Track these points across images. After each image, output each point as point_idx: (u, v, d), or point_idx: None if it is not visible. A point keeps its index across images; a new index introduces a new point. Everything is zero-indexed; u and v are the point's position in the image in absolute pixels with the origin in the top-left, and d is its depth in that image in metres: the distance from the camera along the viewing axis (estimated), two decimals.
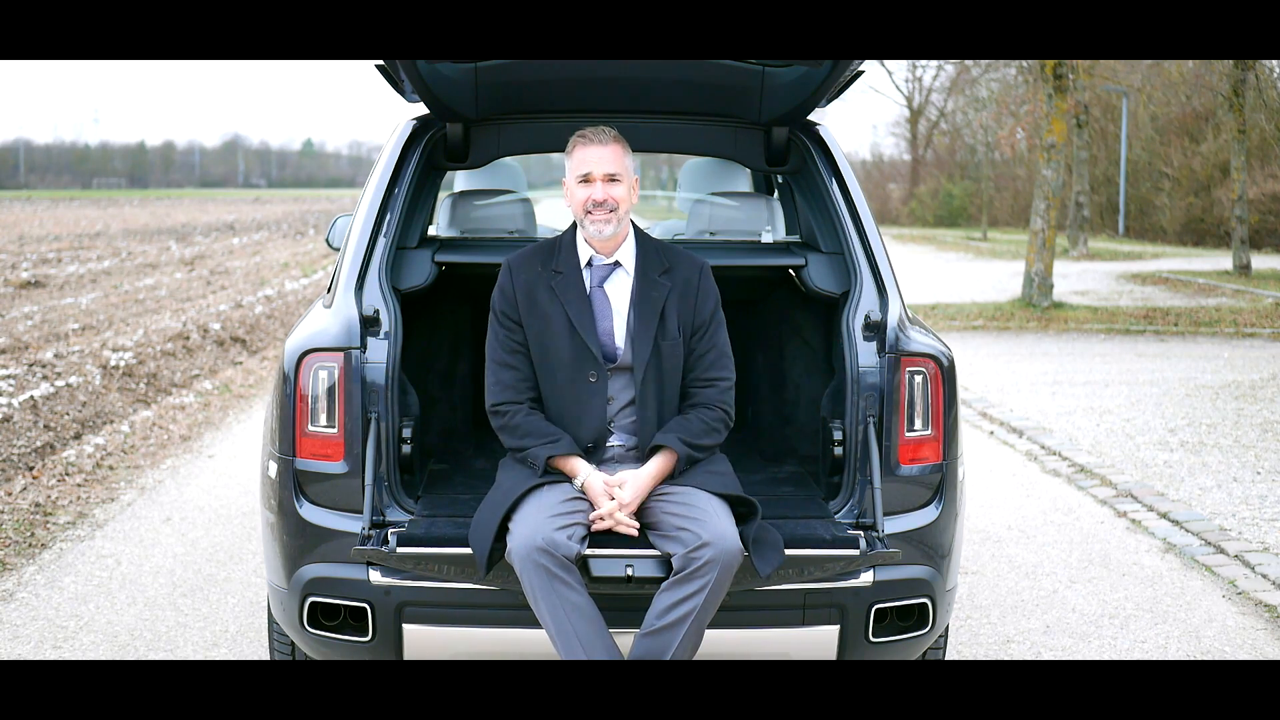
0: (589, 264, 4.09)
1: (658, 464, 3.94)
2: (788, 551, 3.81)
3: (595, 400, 4.01)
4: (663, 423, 4.04)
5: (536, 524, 3.71)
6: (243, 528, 6.94)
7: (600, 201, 3.99)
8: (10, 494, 7.47)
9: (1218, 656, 5.27)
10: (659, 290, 4.06)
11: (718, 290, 4.15)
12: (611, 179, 4.01)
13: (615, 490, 3.86)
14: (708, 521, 3.74)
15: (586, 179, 4.01)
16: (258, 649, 5.19)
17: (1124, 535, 7.03)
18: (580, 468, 3.92)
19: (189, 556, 6.45)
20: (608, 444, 4.06)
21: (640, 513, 3.92)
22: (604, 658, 3.67)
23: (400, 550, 3.78)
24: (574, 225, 4.15)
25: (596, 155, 4.00)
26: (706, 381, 4.08)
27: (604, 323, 4.06)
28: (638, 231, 4.16)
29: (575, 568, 3.71)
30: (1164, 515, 7.33)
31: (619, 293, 4.09)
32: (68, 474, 8.02)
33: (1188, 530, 7.02)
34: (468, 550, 3.78)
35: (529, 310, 4.04)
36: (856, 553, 3.85)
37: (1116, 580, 6.24)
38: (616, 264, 4.09)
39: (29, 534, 6.77)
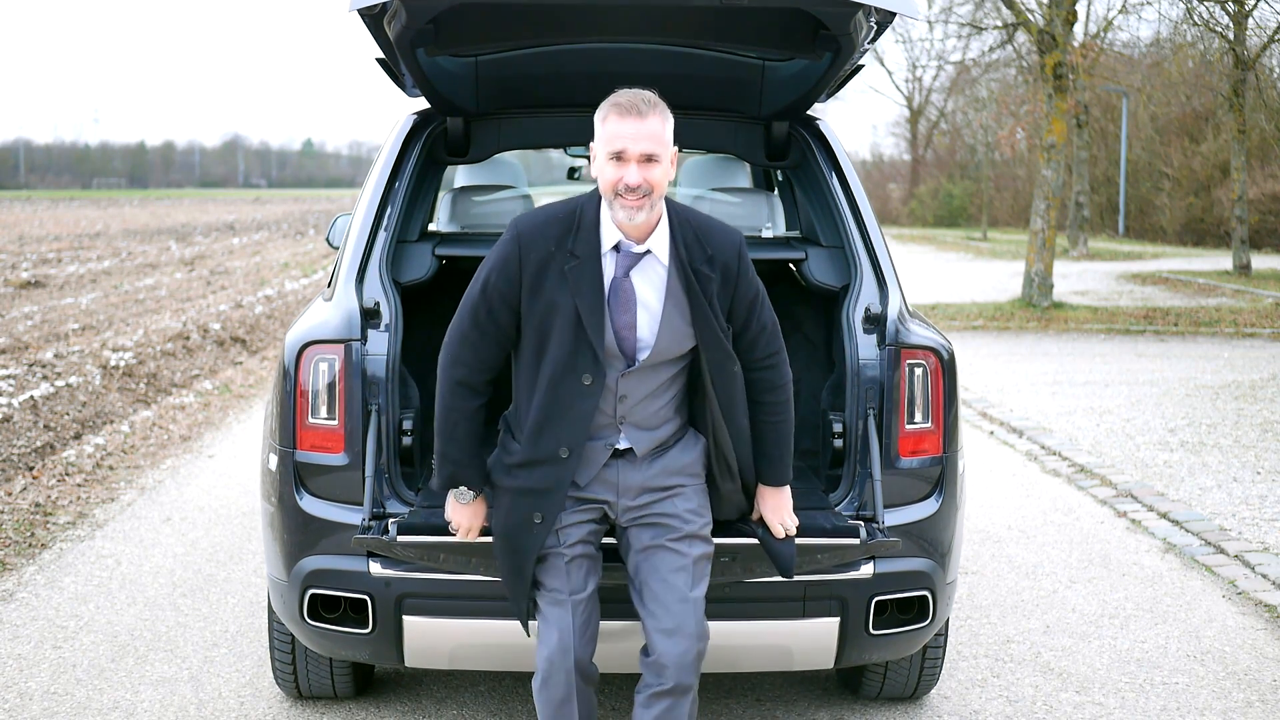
0: (616, 248, 3.53)
1: (782, 496, 3.77)
2: None
3: (584, 404, 3.54)
4: (729, 415, 3.65)
5: (566, 637, 3.60)
6: (243, 528, 6.94)
7: (634, 186, 3.44)
8: (10, 494, 7.46)
9: (1218, 656, 5.26)
10: (706, 283, 3.56)
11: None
12: (648, 159, 3.45)
13: (788, 520, 3.73)
14: (666, 619, 3.58)
15: (619, 157, 3.46)
16: (258, 649, 5.19)
17: (1124, 535, 7.02)
18: (459, 497, 3.68)
19: (189, 556, 6.44)
20: (617, 444, 3.64)
21: (626, 554, 3.74)
22: None
23: (400, 539, 3.78)
24: (597, 198, 3.57)
25: (633, 131, 3.44)
26: (765, 364, 3.68)
27: (626, 316, 3.54)
28: (670, 209, 3.61)
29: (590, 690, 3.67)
30: (1164, 515, 7.32)
31: (648, 284, 3.56)
32: (68, 474, 8.02)
33: (1188, 530, 7.02)
34: (467, 540, 3.75)
35: (532, 293, 3.52)
36: (856, 542, 3.84)
37: (1116, 580, 6.23)
38: (648, 252, 3.56)
39: (29, 534, 6.76)
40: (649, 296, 3.55)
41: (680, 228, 3.57)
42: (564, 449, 3.56)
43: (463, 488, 3.66)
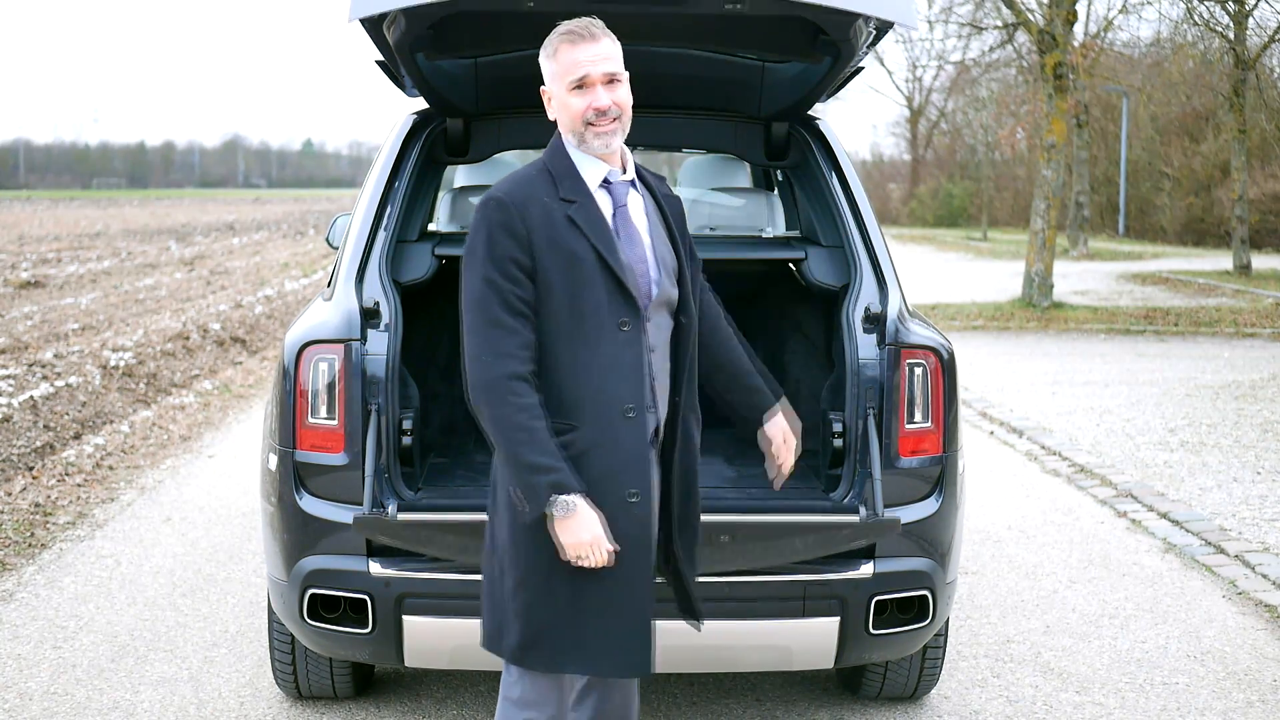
0: (604, 184, 3.29)
1: (785, 416, 3.65)
2: (789, 519, 3.82)
3: (630, 353, 3.22)
4: (723, 358, 3.57)
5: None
6: (242, 528, 6.94)
7: (604, 109, 3.22)
8: (10, 494, 7.46)
9: (1218, 656, 5.26)
10: (676, 205, 3.41)
11: None
12: (611, 81, 3.24)
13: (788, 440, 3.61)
14: None
15: (582, 85, 3.22)
16: (258, 649, 5.19)
17: (1124, 535, 7.02)
18: (582, 498, 3.15)
19: (189, 556, 6.44)
20: (656, 403, 3.32)
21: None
22: None
23: (401, 517, 3.78)
24: (558, 149, 3.31)
25: (590, 54, 3.21)
26: (705, 290, 3.60)
27: (636, 249, 3.29)
28: None
29: None
30: (1164, 515, 7.32)
31: (640, 214, 3.34)
32: (68, 474, 8.02)
33: (1188, 530, 7.02)
34: (467, 518, 3.76)
35: (550, 250, 3.18)
36: (856, 519, 3.84)
37: (1116, 580, 6.23)
38: (632, 181, 3.36)
39: (29, 534, 6.77)
40: (643, 226, 3.34)
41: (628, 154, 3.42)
42: (629, 407, 3.21)
43: (565, 497, 3.11)
